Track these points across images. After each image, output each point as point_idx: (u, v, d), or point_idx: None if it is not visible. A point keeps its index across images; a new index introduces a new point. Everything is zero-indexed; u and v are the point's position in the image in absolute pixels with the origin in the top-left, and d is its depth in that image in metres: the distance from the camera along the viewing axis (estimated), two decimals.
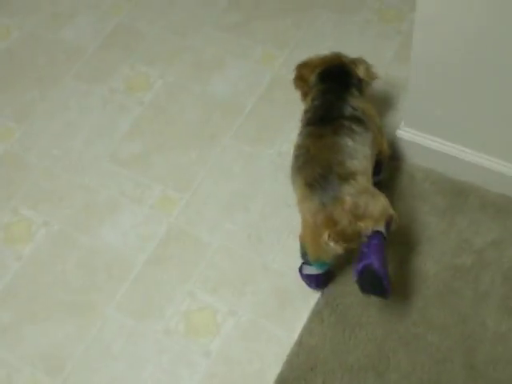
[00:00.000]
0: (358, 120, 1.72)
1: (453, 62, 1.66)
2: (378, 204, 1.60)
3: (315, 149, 1.64)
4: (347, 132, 1.67)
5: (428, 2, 1.55)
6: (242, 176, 2.02)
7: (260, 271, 1.86)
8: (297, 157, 1.68)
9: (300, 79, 1.89)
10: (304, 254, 1.73)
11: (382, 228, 1.59)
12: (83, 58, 2.34)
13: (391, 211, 1.63)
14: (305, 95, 1.88)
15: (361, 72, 1.86)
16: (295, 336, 1.73)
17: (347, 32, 2.31)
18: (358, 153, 1.66)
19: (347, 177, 1.58)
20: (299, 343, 1.74)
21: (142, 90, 2.24)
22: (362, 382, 1.68)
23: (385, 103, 2.12)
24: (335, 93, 1.78)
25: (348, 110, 1.72)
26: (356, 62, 1.88)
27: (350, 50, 1.92)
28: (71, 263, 1.91)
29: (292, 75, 1.91)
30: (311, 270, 1.78)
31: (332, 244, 1.57)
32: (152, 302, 1.82)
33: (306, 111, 1.80)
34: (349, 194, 1.55)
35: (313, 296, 1.80)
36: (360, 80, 1.85)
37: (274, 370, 1.69)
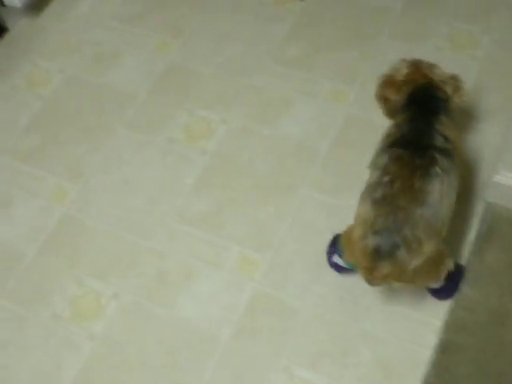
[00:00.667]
0: (448, 153, 1.58)
1: None
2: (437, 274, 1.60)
3: (400, 186, 1.50)
4: (437, 172, 1.53)
5: None
6: (327, 231, 1.87)
7: (359, 339, 1.72)
8: (378, 183, 1.53)
9: (383, 99, 1.75)
10: (340, 250, 1.73)
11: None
12: (134, 104, 2.19)
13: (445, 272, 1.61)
14: (389, 113, 1.74)
15: (449, 91, 1.70)
16: None
17: None
18: (441, 204, 1.53)
19: (411, 244, 1.47)
20: None
21: (204, 137, 2.09)
22: None
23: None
24: (424, 118, 1.63)
25: (439, 140, 1.58)
26: (445, 79, 1.71)
27: None
28: (149, 340, 1.76)
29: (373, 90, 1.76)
30: (339, 261, 1.78)
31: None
32: (244, 381, 1.69)
33: (390, 131, 1.66)
34: (400, 263, 1.47)
35: (421, 365, 1.67)
36: (447, 100, 1.69)
37: None
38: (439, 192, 1.52)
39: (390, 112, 1.74)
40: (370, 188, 1.54)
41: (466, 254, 1.82)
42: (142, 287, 1.85)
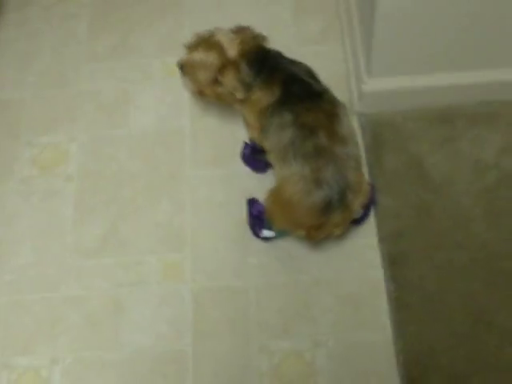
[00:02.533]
0: (328, 90, 1.69)
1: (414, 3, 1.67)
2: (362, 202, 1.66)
3: (326, 136, 1.56)
4: (343, 112, 1.64)
5: None
6: (230, 202, 1.90)
7: (315, 289, 1.77)
8: (302, 138, 1.57)
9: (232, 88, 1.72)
10: (269, 223, 1.77)
11: None
12: None
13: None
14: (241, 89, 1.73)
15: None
16: None
17: None
18: (354, 137, 1.66)
19: (356, 187, 1.58)
20: None
21: (59, 162, 1.99)
22: None
23: None
24: (286, 71, 1.68)
25: (316, 83, 1.67)
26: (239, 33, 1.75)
27: None
28: None
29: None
30: (270, 234, 1.82)
31: (302, 236, 1.67)
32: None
33: (260, 98, 1.67)
34: (351, 206, 1.58)
35: (381, 284, 1.77)
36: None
37: None
38: (350, 128, 1.64)
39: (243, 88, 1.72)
40: (291, 146, 1.57)
41: (366, 171, 1.92)
42: (76, 341, 1.75)
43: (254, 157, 1.90)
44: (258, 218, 1.81)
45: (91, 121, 2.06)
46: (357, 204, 1.60)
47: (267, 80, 1.67)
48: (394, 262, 1.81)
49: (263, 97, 1.67)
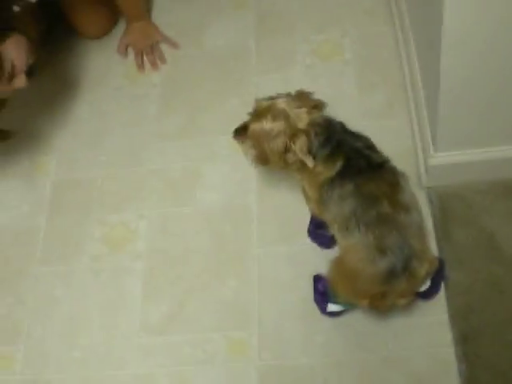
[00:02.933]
0: (389, 160, 1.69)
1: (480, 82, 1.67)
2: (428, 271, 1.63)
3: (389, 205, 1.56)
4: (404, 181, 1.64)
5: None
6: (296, 279, 1.91)
7: (384, 368, 1.75)
8: (365, 207, 1.57)
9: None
10: (333, 296, 1.76)
11: None
12: (38, 238, 2.11)
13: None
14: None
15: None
16: None
17: None
18: (417, 205, 1.66)
19: (421, 255, 1.56)
20: None
21: (129, 241, 2.05)
22: None
23: None
24: (348, 143, 1.68)
25: (375, 153, 1.68)
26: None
27: None
28: None
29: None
30: (336, 308, 1.81)
31: (366, 306, 1.64)
32: None
33: (322, 171, 1.68)
34: (416, 275, 1.56)
35: (452, 364, 1.73)
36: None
37: None
38: (412, 196, 1.64)
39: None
40: (353, 215, 1.58)
41: (434, 245, 1.91)
42: None
43: (318, 232, 1.91)
44: (323, 293, 1.82)
45: (159, 199, 2.13)
46: (422, 272, 1.58)
47: (331, 153, 1.68)
48: (466, 340, 1.77)
49: (325, 169, 1.68)
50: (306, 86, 2.17)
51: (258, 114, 1.75)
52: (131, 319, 1.92)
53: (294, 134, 1.67)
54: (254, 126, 1.74)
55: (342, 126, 1.74)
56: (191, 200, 2.10)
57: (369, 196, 1.58)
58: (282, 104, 1.72)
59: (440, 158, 1.92)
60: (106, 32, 2.56)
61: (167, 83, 2.39)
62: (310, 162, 1.66)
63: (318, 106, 1.77)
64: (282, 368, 1.79)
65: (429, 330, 1.79)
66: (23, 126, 2.39)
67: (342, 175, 1.64)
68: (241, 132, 1.79)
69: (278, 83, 2.29)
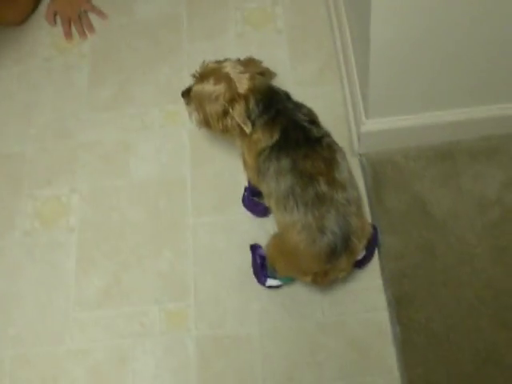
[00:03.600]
0: (328, 134, 1.70)
1: (409, 44, 1.68)
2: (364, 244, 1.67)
3: (326, 183, 1.57)
4: (341, 157, 1.65)
5: None
6: (231, 249, 1.92)
7: (320, 334, 1.78)
8: (302, 186, 1.57)
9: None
10: (272, 271, 1.78)
11: None
12: None
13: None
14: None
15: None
16: None
17: None
18: (353, 181, 1.68)
19: (358, 232, 1.59)
20: None
21: (61, 215, 2.02)
22: None
23: None
24: (287, 114, 1.69)
25: (315, 128, 1.68)
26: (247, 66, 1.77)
27: None
28: None
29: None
30: (275, 283, 1.83)
31: (309, 282, 1.67)
32: None
33: (260, 139, 1.68)
34: (355, 251, 1.60)
35: (387, 327, 1.78)
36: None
37: None
38: (348, 172, 1.65)
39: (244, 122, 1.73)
40: (291, 194, 1.58)
41: (367, 211, 1.94)
42: None
43: (254, 201, 1.92)
44: (261, 265, 1.83)
45: (92, 171, 2.09)
46: (360, 247, 1.62)
47: (269, 121, 1.68)
48: (399, 304, 1.81)
49: (263, 137, 1.68)
50: (238, 55, 2.16)
51: (202, 76, 1.75)
52: (66, 294, 1.90)
53: (232, 98, 1.67)
54: (196, 88, 1.74)
55: (286, 95, 1.74)
56: (124, 172, 2.08)
57: (305, 174, 1.58)
58: (226, 68, 1.72)
59: (371, 125, 1.94)
60: (25, 17, 2.47)
61: (97, 53, 2.34)
62: (247, 128, 1.66)
63: (265, 73, 1.77)
64: (219, 337, 1.81)
65: (363, 295, 1.82)
66: None
67: (279, 147, 1.64)
68: (186, 93, 1.79)
69: (209, 51, 2.27)
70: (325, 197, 1.56)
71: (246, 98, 1.67)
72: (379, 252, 1.86)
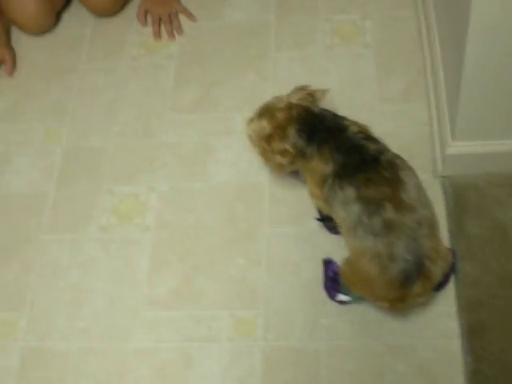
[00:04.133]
0: (386, 149, 1.68)
1: (507, 65, 1.63)
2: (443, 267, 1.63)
3: (393, 209, 1.54)
4: (405, 174, 1.62)
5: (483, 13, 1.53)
6: (304, 261, 1.91)
7: (388, 356, 1.75)
8: (369, 214, 1.56)
9: (281, 154, 1.72)
10: (346, 288, 1.75)
11: None
12: (47, 205, 2.09)
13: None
14: (293, 160, 1.73)
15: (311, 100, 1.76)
16: None
17: None
18: (421, 196, 1.64)
19: (432, 254, 1.56)
20: None
21: (138, 213, 2.04)
22: None
23: None
24: (337, 137, 1.67)
25: (372, 145, 1.66)
26: (301, 98, 1.76)
27: None
28: None
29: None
30: (345, 299, 1.80)
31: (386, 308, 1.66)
32: None
33: (320, 169, 1.67)
34: (431, 275, 1.56)
35: (457, 355, 1.73)
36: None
37: None
38: (416, 190, 1.62)
39: (293, 158, 1.72)
40: (359, 224, 1.57)
41: (446, 235, 1.89)
42: None
43: (326, 222, 1.90)
44: (333, 279, 1.80)
45: (171, 172, 2.11)
46: (437, 271, 1.59)
47: (320, 148, 1.67)
48: (473, 333, 1.76)
49: (321, 164, 1.67)
50: (325, 66, 2.16)
51: (257, 114, 1.77)
52: (137, 292, 1.91)
53: (269, 135, 1.68)
54: (248, 128, 1.79)
55: (333, 115, 1.72)
56: (203, 175, 2.08)
57: (371, 201, 1.56)
58: (272, 101, 1.75)
59: (457, 148, 1.90)
60: (116, 8, 2.50)
61: (184, 55, 2.36)
62: (284, 160, 1.70)
63: (314, 95, 1.75)
64: (286, 349, 1.79)
65: (436, 320, 1.78)
66: (36, 90, 2.37)
67: (340, 175, 1.62)
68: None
69: (296, 61, 2.27)
70: (393, 223, 1.54)
71: (282, 128, 1.67)
72: (456, 277, 1.82)
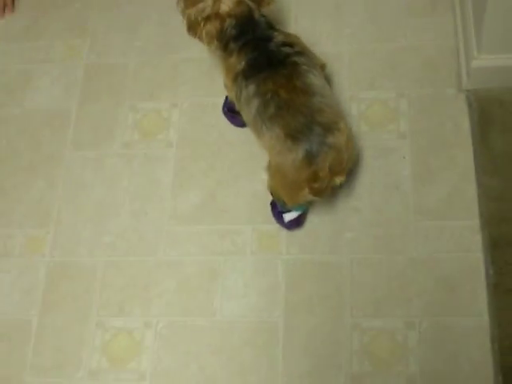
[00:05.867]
0: (300, 53, 1.68)
1: None
2: (353, 155, 1.65)
3: (286, 93, 1.57)
4: (305, 69, 1.63)
5: None
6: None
7: (412, 270, 1.76)
8: (265, 104, 1.58)
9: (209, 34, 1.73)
10: (282, 204, 1.76)
11: None
12: (70, 122, 2.10)
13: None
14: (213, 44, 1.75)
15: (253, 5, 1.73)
16: None
17: None
18: (325, 90, 1.64)
19: (331, 126, 1.55)
20: None
21: (161, 128, 2.04)
22: None
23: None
24: (259, 40, 1.69)
25: (286, 49, 1.66)
26: None
27: None
28: None
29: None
30: (292, 215, 1.81)
31: (310, 196, 1.61)
32: None
33: (232, 66, 1.70)
34: (334, 146, 1.54)
35: (481, 268, 1.73)
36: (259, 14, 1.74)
37: None
38: (318, 81, 1.63)
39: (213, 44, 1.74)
40: (258, 115, 1.60)
41: (470, 148, 1.88)
42: (169, 306, 1.81)
43: (232, 114, 1.94)
44: (273, 206, 1.84)
45: (193, 88, 2.09)
46: (340, 141, 1.57)
47: (243, 47, 1.69)
48: (496, 246, 1.76)
49: (234, 63, 1.70)
50: None
51: None
52: (161, 207, 1.93)
53: (208, 16, 1.68)
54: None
55: (269, 24, 1.72)
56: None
57: (267, 92, 1.59)
58: None
59: (483, 61, 1.85)
60: None
61: None
62: (210, 47, 1.73)
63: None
64: (309, 262, 1.80)
65: (459, 234, 1.78)
66: (57, 6, 2.34)
67: (246, 75, 1.66)
68: None
69: None
70: (286, 105, 1.56)
71: (221, 18, 1.68)
72: (479, 191, 1.80)
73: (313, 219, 1.85)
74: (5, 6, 2.34)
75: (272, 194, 1.80)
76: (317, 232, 1.83)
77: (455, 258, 1.75)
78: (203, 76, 2.09)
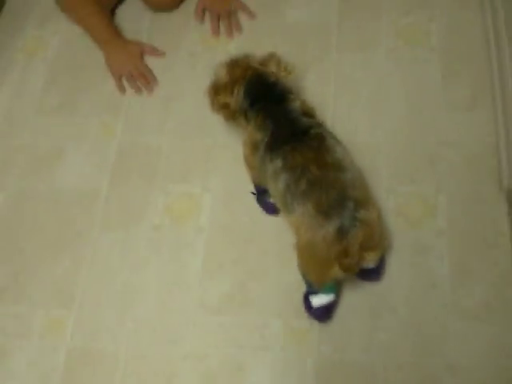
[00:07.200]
0: (320, 124, 1.65)
1: None
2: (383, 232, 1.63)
3: (317, 168, 1.51)
4: (333, 142, 1.59)
5: None
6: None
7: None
8: (295, 179, 1.53)
9: (222, 107, 1.76)
10: (310, 284, 1.70)
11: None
12: (100, 201, 2.05)
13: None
14: (231, 116, 1.78)
15: (273, 69, 1.75)
16: None
17: None
18: (354, 165, 1.60)
19: (363, 201, 1.50)
20: None
21: (192, 213, 1.98)
22: None
23: None
24: (277, 107, 1.67)
25: (305, 119, 1.63)
26: (264, 61, 1.77)
27: None
28: None
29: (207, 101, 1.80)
30: (321, 299, 1.73)
31: (340, 273, 1.52)
32: None
33: (254, 139, 1.67)
34: (366, 221, 1.48)
35: None
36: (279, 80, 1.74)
37: None
38: (347, 156, 1.58)
39: (232, 115, 1.76)
40: (288, 192, 1.54)
41: (509, 246, 1.81)
42: None
43: (263, 198, 1.91)
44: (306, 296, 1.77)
45: (226, 173, 2.05)
46: (372, 217, 1.51)
47: (258, 114, 1.67)
48: None
49: (253, 130, 1.67)
50: (388, 70, 2.09)
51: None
52: (189, 295, 1.86)
53: (217, 88, 1.72)
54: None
55: (283, 88, 1.71)
56: None
57: (296, 167, 1.54)
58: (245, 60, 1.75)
59: None
60: (174, 4, 2.46)
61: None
62: (225, 114, 1.76)
63: (280, 65, 1.76)
64: (340, 363, 1.72)
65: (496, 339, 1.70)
66: (93, 82, 2.33)
67: (270, 147, 1.61)
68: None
69: (357, 63, 2.18)
70: (317, 180, 1.51)
71: (234, 84, 1.69)
72: None
73: (346, 317, 1.77)
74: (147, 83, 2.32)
75: (301, 273, 1.71)
76: (350, 331, 1.75)
77: (493, 364, 1.66)
78: (236, 162, 2.04)
